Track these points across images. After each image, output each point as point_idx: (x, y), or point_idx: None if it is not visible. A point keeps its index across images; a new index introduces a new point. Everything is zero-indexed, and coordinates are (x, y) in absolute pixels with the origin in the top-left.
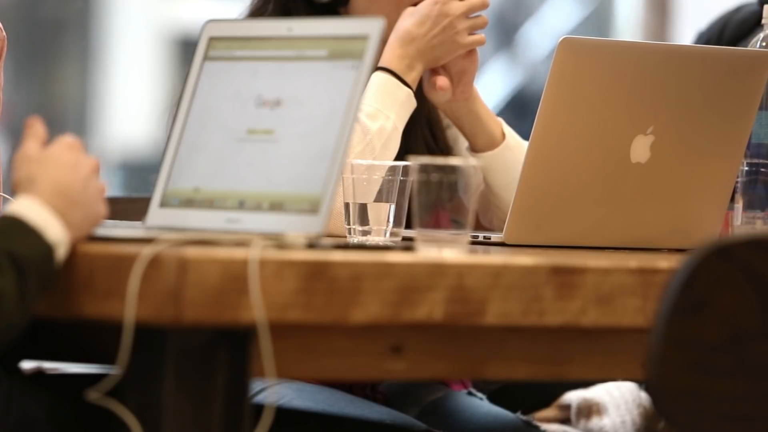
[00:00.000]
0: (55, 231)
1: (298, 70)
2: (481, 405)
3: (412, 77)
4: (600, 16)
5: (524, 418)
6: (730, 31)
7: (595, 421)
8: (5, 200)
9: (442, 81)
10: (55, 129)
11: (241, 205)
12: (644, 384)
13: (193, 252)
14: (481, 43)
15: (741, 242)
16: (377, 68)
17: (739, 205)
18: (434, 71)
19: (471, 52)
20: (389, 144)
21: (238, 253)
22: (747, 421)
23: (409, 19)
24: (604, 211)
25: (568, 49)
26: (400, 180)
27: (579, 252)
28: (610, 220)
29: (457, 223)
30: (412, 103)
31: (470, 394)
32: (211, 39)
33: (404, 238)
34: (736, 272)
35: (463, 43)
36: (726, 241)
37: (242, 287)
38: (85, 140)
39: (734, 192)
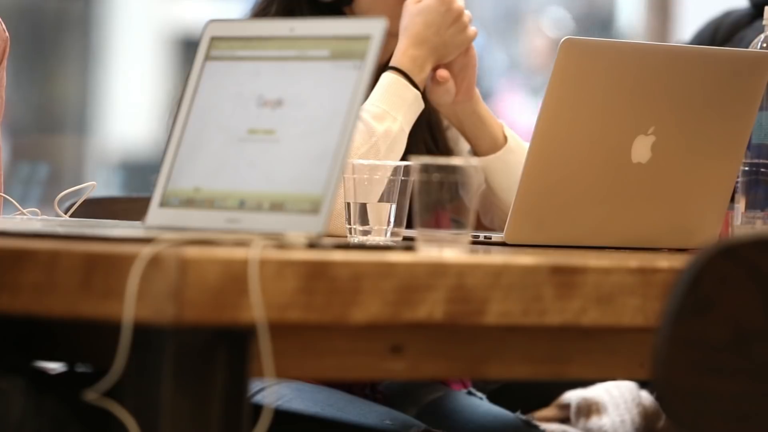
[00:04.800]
0: None
1: (299, 70)
2: (480, 404)
3: (422, 78)
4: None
5: (524, 417)
6: (722, 35)
7: (594, 421)
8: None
9: (442, 71)
10: (55, 128)
11: (241, 205)
12: (649, 384)
13: (193, 252)
14: (476, 35)
15: (747, 242)
16: (388, 68)
17: (739, 205)
18: (434, 68)
19: (469, 49)
20: (395, 146)
21: (238, 253)
22: (753, 420)
23: (417, 19)
24: (605, 211)
25: (569, 49)
26: (401, 180)
27: (579, 252)
28: (611, 220)
29: (457, 223)
30: (419, 105)
31: (470, 393)
32: (213, 39)
33: (405, 238)
34: (742, 272)
35: (469, 36)
36: (732, 242)
37: (242, 287)
38: (85, 140)
39: (734, 192)
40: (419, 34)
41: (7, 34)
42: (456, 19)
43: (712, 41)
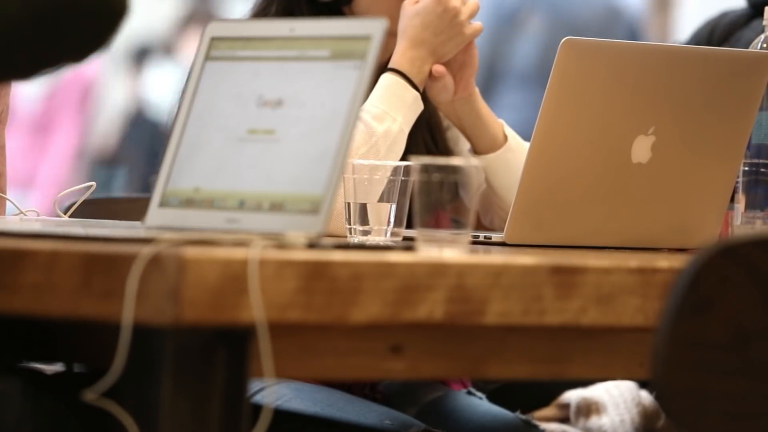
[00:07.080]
0: None
1: (300, 70)
2: (480, 404)
3: (421, 79)
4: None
5: (523, 417)
6: (719, 36)
7: (594, 420)
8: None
9: (437, 66)
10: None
11: (241, 205)
12: (649, 383)
13: (192, 252)
14: (481, 31)
15: (746, 242)
16: (387, 69)
17: (739, 205)
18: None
19: (469, 45)
20: (394, 146)
21: (237, 252)
22: (752, 419)
23: (414, 21)
24: (605, 211)
25: (570, 49)
26: (402, 180)
27: (579, 252)
28: (611, 220)
29: (458, 223)
30: (419, 106)
31: (470, 393)
32: (213, 39)
33: (405, 238)
34: (742, 272)
35: (468, 33)
36: (731, 241)
37: (242, 287)
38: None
39: (734, 192)
40: (417, 36)
41: None
42: (453, 19)
43: (708, 42)
